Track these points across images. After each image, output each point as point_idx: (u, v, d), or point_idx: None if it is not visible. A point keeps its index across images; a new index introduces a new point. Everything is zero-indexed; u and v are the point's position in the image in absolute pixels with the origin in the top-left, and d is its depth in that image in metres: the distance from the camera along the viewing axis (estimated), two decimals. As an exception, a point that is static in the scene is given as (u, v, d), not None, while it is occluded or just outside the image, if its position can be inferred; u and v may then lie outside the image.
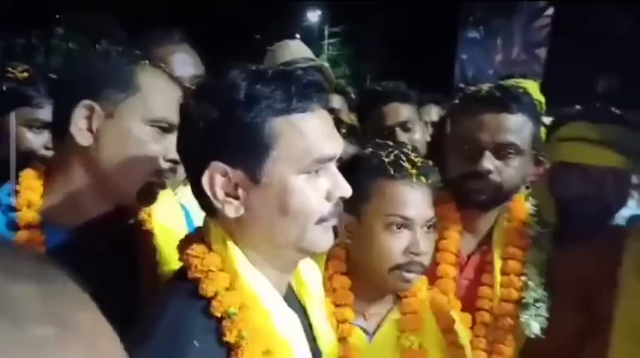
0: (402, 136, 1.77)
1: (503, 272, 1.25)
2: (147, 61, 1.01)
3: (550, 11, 12.40)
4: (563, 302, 1.18)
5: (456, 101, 1.31)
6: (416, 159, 1.06)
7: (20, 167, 1.04)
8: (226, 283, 0.76)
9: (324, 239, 0.81)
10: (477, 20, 14.37)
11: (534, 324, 1.18)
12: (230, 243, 0.78)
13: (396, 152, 1.07)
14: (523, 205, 1.31)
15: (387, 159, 1.06)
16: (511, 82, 1.71)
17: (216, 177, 0.75)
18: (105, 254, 0.97)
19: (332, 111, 2.12)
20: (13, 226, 0.95)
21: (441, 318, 1.14)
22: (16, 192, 0.97)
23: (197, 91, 0.80)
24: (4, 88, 1.50)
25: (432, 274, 1.25)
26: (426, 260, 1.06)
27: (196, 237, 0.82)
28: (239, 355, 0.71)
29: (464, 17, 14.60)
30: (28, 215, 0.95)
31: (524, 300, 1.21)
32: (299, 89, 0.76)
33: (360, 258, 1.10)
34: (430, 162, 1.11)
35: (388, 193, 1.05)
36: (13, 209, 0.97)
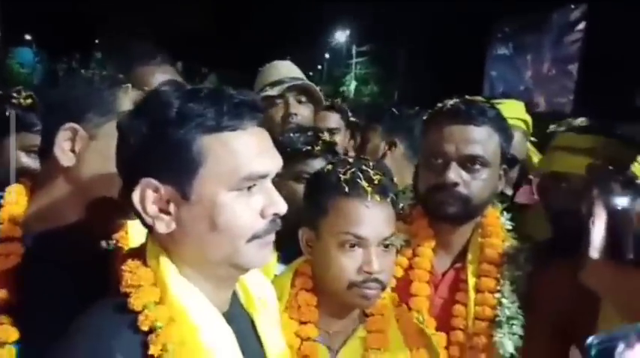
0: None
1: (478, 290, 1.22)
2: (129, 85, 1.05)
3: (581, 25, 12.17)
4: (540, 323, 1.14)
5: (425, 116, 1.31)
6: (374, 177, 1.05)
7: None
8: (156, 297, 0.76)
9: (259, 256, 0.81)
10: (506, 36, 14.22)
11: (508, 343, 1.14)
12: (163, 258, 0.79)
13: (354, 169, 1.06)
14: (497, 220, 1.29)
15: (343, 177, 1.05)
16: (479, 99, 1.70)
17: (148, 193, 0.77)
18: (83, 271, 0.99)
19: (330, 130, 2.17)
20: None
21: (409, 336, 1.12)
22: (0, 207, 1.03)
23: (133, 109, 0.82)
24: (7, 114, 1.53)
25: (405, 292, 1.24)
26: (384, 277, 1.05)
27: (136, 252, 0.83)
28: None
29: (492, 34, 14.47)
30: (7, 228, 1.00)
31: (497, 318, 1.18)
32: (230, 108, 0.77)
33: (319, 274, 1.10)
34: (393, 180, 1.10)
35: (342, 211, 1.05)
36: None
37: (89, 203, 1.03)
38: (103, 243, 1.12)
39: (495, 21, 14.15)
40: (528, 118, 1.90)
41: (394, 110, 2.10)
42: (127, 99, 1.03)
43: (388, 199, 1.06)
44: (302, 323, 1.07)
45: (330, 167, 1.11)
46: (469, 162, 1.21)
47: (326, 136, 1.57)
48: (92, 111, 1.01)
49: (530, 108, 2.35)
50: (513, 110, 1.80)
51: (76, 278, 0.97)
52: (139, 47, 1.70)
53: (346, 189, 1.04)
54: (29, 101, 1.57)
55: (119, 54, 1.72)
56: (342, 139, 2.29)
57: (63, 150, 1.00)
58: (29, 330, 0.95)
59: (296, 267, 1.15)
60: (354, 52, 19.35)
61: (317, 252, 1.09)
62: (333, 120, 2.31)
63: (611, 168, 1.01)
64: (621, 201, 0.77)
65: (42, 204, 1.04)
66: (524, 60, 13.80)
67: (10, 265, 0.98)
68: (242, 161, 0.77)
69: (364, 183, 1.04)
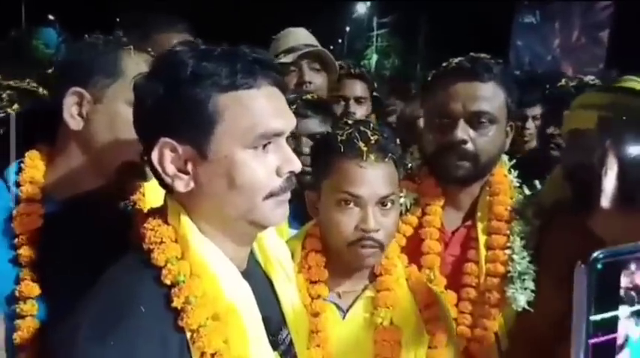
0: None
1: (488, 247, 1.23)
2: (131, 47, 1.06)
3: (613, -10, 11.64)
4: (552, 277, 1.14)
5: (429, 77, 1.30)
6: (372, 137, 1.06)
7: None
8: (177, 253, 0.79)
9: (275, 213, 0.83)
10: (533, 4, 13.73)
11: (520, 298, 1.15)
12: (183, 216, 0.81)
13: (351, 131, 1.08)
14: (505, 178, 1.28)
15: (340, 138, 1.07)
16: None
17: (166, 153, 0.78)
18: (102, 230, 1.02)
19: (357, 99, 2.18)
20: (17, 200, 1.03)
21: (418, 295, 1.13)
22: (20, 170, 1.07)
23: (148, 70, 0.83)
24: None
25: (416, 250, 1.25)
26: (381, 236, 1.06)
27: (156, 212, 0.85)
28: (185, 319, 0.74)
29: (518, 2, 13.99)
30: (29, 190, 1.04)
31: (509, 274, 1.18)
32: (244, 66, 0.77)
33: (324, 234, 1.12)
34: (395, 141, 1.10)
35: (339, 170, 1.07)
36: (19, 185, 1.06)
37: (102, 166, 1.06)
38: (122, 204, 1.16)
39: (521, -13, 13.64)
40: None
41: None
42: (130, 61, 1.04)
43: (386, 159, 1.07)
44: (312, 282, 1.10)
45: (330, 130, 1.13)
46: (476, 119, 1.20)
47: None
48: (97, 75, 1.02)
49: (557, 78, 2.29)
50: None
51: (96, 237, 1.00)
52: (158, 17, 1.71)
53: (342, 149, 1.06)
54: None
55: (138, 26, 1.71)
56: (367, 108, 2.27)
57: (71, 115, 1.02)
58: (51, 286, 0.99)
59: (306, 229, 1.18)
60: (375, 23, 19.00)
61: (320, 212, 1.11)
62: (360, 88, 2.28)
63: (624, 118, 0.99)
64: (633, 150, 0.76)
65: (59, 168, 1.07)
66: (551, 28, 13.31)
67: (33, 225, 1.02)
68: (257, 119, 0.78)
69: (360, 144, 1.05)
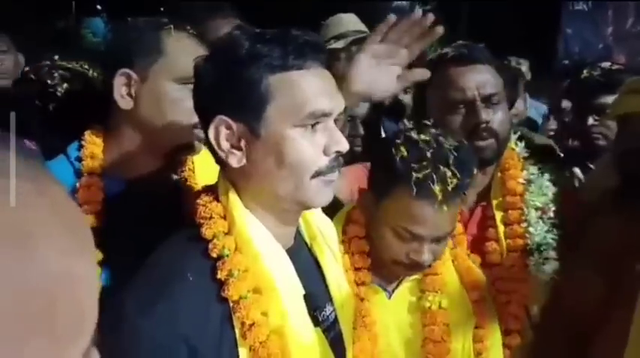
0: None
1: (505, 223, 1.26)
2: (171, 26, 1.11)
3: (672, -26, 10.96)
4: (594, 264, 1.14)
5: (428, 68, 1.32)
6: (450, 180, 0.95)
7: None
8: (224, 228, 0.84)
9: (321, 194, 0.86)
10: (584, -10, 13.10)
11: (544, 268, 1.18)
12: (232, 194, 0.85)
13: (429, 170, 0.96)
14: (512, 151, 1.31)
15: (415, 175, 0.96)
16: None
17: (221, 130, 0.83)
18: (157, 203, 1.11)
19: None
20: (79, 174, 1.13)
21: (465, 277, 1.14)
22: (81, 146, 1.16)
23: (208, 52, 0.89)
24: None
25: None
26: (430, 261, 1.05)
27: (209, 189, 0.90)
28: (227, 290, 0.80)
29: (568, -12, 13.39)
30: (90, 164, 1.13)
31: (528, 247, 1.21)
32: (295, 48, 0.82)
33: (366, 221, 1.10)
34: (472, 172, 1.03)
35: (405, 206, 1.00)
36: (80, 160, 1.15)
37: (153, 143, 1.13)
38: (174, 177, 1.23)
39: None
40: None
41: None
42: (171, 40, 1.11)
43: (458, 199, 1.00)
44: (356, 269, 1.08)
45: (404, 152, 1.00)
46: (490, 100, 1.25)
47: None
48: (139, 55, 1.09)
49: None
50: None
51: (152, 214, 1.08)
52: (203, 3, 1.77)
53: (414, 192, 0.97)
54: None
55: (183, 14, 1.79)
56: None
57: (121, 95, 1.10)
58: (113, 252, 1.04)
59: (348, 212, 1.15)
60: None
61: (371, 222, 1.09)
62: None
63: None
64: None
65: (113, 147, 1.16)
66: (604, 15, 12.59)
67: (94, 197, 1.11)
68: (307, 98, 0.82)
69: (436, 188, 0.96)
